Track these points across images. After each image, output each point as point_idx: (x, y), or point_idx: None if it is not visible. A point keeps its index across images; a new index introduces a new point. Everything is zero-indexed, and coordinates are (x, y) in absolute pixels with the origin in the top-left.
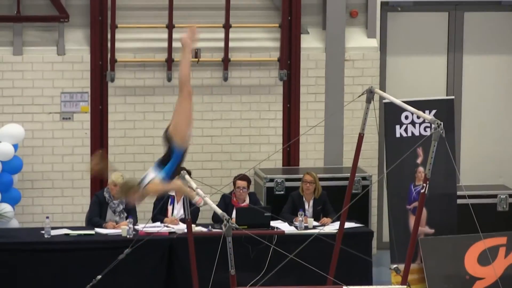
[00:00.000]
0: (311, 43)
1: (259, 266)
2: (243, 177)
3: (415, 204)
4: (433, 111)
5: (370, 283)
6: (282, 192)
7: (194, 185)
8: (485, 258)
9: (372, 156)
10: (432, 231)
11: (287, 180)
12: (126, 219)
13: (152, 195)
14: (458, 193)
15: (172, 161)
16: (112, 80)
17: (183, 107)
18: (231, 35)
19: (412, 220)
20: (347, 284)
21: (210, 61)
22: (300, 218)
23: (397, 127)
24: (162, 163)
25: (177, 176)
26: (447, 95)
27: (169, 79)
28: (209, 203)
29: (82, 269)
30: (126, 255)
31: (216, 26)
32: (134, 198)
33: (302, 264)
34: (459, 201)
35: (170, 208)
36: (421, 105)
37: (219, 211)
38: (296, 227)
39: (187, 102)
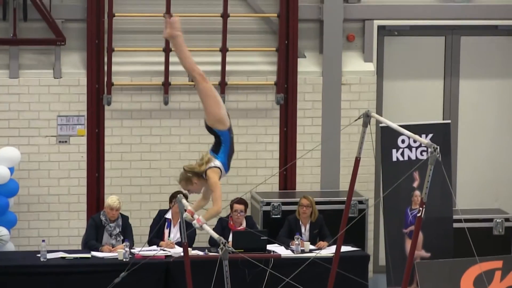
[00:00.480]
0: (308, 67)
1: None
2: (240, 201)
3: (412, 228)
4: (430, 135)
5: None
6: (279, 216)
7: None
8: (481, 282)
9: (368, 180)
10: (429, 254)
11: (284, 203)
12: (122, 242)
13: (208, 186)
14: (454, 217)
15: (223, 145)
16: (109, 103)
17: (204, 91)
18: (228, 59)
19: (408, 243)
20: None
21: None
22: (297, 242)
23: (394, 151)
24: (214, 151)
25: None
26: (443, 119)
27: (166, 103)
28: (206, 228)
29: None
30: (122, 279)
31: (213, 50)
32: (195, 187)
33: None
34: (455, 225)
35: (166, 231)
36: (418, 129)
37: (215, 235)
38: (292, 250)
39: (205, 85)
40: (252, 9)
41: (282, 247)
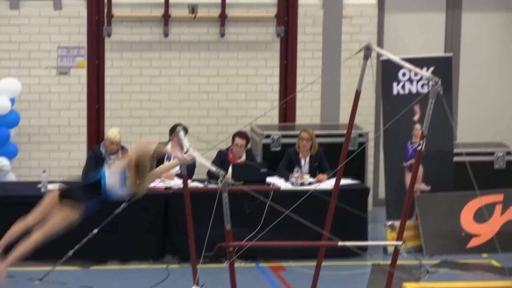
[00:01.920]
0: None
1: (254, 222)
2: (243, 135)
3: (412, 161)
4: (431, 68)
5: (366, 240)
6: (278, 149)
7: (186, 143)
8: (481, 215)
9: (369, 113)
10: (428, 188)
11: (284, 136)
12: None
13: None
14: (455, 150)
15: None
16: (109, 35)
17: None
18: None
19: (408, 177)
20: (342, 241)
21: (207, 17)
22: (296, 175)
23: (394, 84)
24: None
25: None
26: (445, 53)
27: (166, 35)
28: (203, 162)
29: (78, 223)
30: (122, 210)
31: None
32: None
33: (297, 221)
34: (456, 158)
35: (166, 163)
36: (419, 62)
37: (213, 168)
38: (292, 183)
39: None
40: None
41: (282, 180)
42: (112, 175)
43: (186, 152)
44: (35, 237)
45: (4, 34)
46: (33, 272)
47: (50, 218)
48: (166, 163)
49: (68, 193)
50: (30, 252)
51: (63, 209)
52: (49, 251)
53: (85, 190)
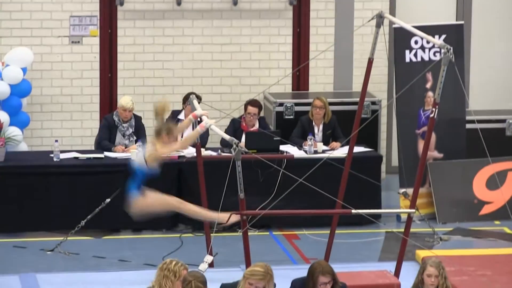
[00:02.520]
0: None
1: (268, 190)
2: (255, 103)
3: (424, 128)
4: (443, 36)
5: (379, 207)
6: (292, 117)
7: (200, 111)
8: (494, 182)
9: (381, 81)
10: (441, 155)
11: (297, 104)
12: (135, 143)
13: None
14: (467, 118)
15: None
16: (122, 3)
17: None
18: None
19: (421, 144)
20: (356, 208)
21: None
22: (310, 143)
23: (407, 52)
24: None
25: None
26: (456, 20)
27: (179, 3)
28: (216, 130)
29: (91, 192)
30: None
31: None
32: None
33: (311, 189)
34: (468, 126)
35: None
36: (431, 30)
37: (227, 136)
38: (305, 151)
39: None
40: None
41: (295, 148)
42: (138, 156)
43: (200, 121)
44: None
45: (16, 3)
46: (45, 242)
47: None
48: (190, 133)
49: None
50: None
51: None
52: (61, 221)
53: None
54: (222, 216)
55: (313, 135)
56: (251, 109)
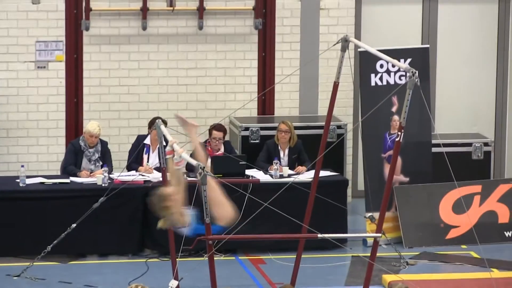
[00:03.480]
0: None
1: None
2: (219, 128)
3: (390, 152)
4: (408, 60)
5: (345, 232)
6: (257, 141)
7: (170, 137)
8: (460, 206)
9: (347, 104)
10: (407, 179)
11: (262, 128)
12: (101, 168)
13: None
14: (433, 141)
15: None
16: (87, 29)
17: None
18: None
19: (387, 168)
20: (322, 233)
21: (185, 10)
22: (275, 167)
23: (372, 75)
24: None
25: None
26: (422, 44)
27: (144, 28)
28: (184, 156)
29: (57, 217)
30: (101, 204)
31: None
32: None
33: (277, 213)
34: (434, 149)
35: (145, 156)
36: (396, 53)
37: (193, 161)
38: (271, 175)
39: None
40: None
41: (261, 172)
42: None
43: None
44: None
45: None
46: (12, 268)
47: None
48: (172, 173)
49: None
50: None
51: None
52: (27, 246)
53: None
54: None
55: (279, 159)
56: (216, 133)
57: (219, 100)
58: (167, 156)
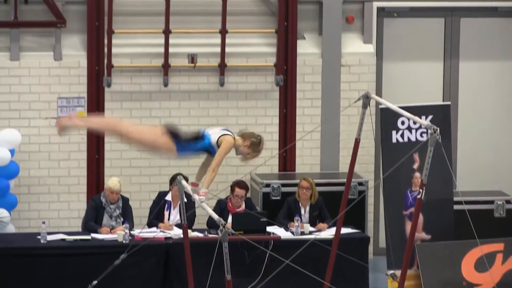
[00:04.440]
0: (307, 49)
1: (255, 271)
2: (242, 185)
3: (412, 209)
4: (430, 117)
5: None
6: (279, 198)
7: (190, 190)
8: (482, 265)
9: (368, 161)
10: (429, 237)
11: (284, 185)
12: (122, 224)
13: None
14: (455, 198)
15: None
16: (109, 85)
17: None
18: (227, 41)
19: (408, 225)
20: None
21: (207, 66)
22: (296, 224)
23: (394, 132)
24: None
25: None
26: (443, 101)
27: (166, 85)
28: (206, 208)
29: (78, 274)
30: (122, 260)
31: (213, 32)
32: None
33: (298, 270)
34: (455, 207)
35: (166, 213)
36: (418, 110)
37: (215, 216)
38: (292, 232)
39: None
40: None
41: (282, 229)
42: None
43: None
44: (126, 125)
45: (4, 85)
46: None
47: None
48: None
49: (173, 130)
50: (102, 126)
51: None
52: None
53: (188, 137)
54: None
55: (300, 216)
56: (238, 191)
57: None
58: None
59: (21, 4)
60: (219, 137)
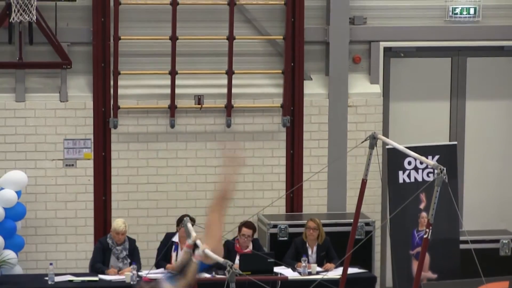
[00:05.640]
0: (314, 89)
1: None
2: (249, 225)
3: (418, 249)
4: (436, 157)
5: None
6: (286, 238)
7: (194, 234)
8: None
9: (375, 201)
10: (435, 276)
11: (291, 226)
12: (129, 265)
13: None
14: (461, 238)
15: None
16: (115, 126)
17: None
18: (234, 81)
19: (415, 265)
20: None
21: (213, 108)
22: (304, 264)
23: (400, 172)
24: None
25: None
26: (450, 141)
27: (172, 126)
28: (210, 254)
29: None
30: None
31: (219, 73)
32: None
33: None
34: (462, 246)
35: (174, 254)
36: (424, 150)
37: (221, 259)
38: (299, 272)
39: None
40: (258, 31)
41: (289, 269)
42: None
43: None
44: None
45: (10, 126)
46: None
47: None
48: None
49: None
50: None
51: None
52: None
53: None
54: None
55: (307, 256)
56: (245, 230)
57: (247, 197)
58: (186, 249)
59: (26, 45)
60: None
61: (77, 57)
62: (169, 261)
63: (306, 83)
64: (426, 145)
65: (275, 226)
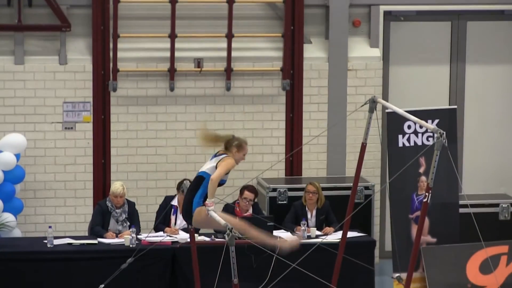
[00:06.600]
0: (314, 53)
1: (262, 275)
2: (252, 189)
3: (418, 213)
4: (436, 121)
5: None
6: (285, 202)
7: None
8: (487, 267)
9: (374, 165)
10: (434, 240)
11: (290, 189)
12: (129, 228)
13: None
14: (460, 202)
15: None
16: (115, 89)
17: None
18: (233, 45)
19: (414, 229)
20: None
21: (213, 71)
22: (303, 228)
23: (400, 136)
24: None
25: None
26: (449, 105)
27: (172, 89)
28: (214, 216)
29: (85, 278)
30: (129, 265)
31: (219, 36)
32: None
33: (305, 274)
34: (461, 210)
35: (173, 218)
36: (424, 114)
37: (222, 221)
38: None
39: None
40: None
41: (289, 233)
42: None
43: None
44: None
45: (9, 89)
46: None
47: None
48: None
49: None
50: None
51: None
52: None
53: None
54: (282, 242)
55: (306, 220)
56: (247, 194)
57: (247, 161)
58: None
59: (25, 7)
60: (216, 163)
61: (76, 20)
62: (168, 225)
63: (306, 46)
64: (426, 109)
65: (274, 189)
